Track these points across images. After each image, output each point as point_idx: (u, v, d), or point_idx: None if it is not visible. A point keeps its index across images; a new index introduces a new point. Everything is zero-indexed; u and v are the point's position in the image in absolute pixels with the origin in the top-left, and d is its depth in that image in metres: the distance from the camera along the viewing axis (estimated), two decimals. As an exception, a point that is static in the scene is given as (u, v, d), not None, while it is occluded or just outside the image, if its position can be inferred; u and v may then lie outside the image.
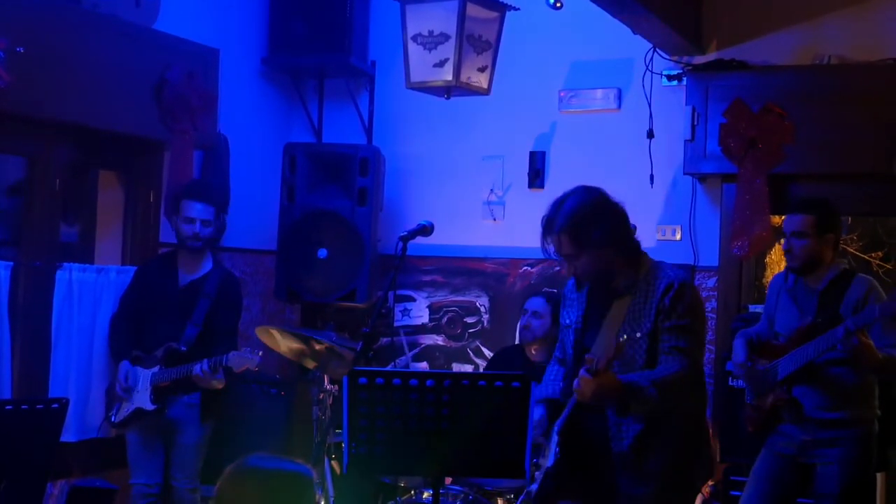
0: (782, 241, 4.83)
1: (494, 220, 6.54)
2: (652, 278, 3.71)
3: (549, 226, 3.75)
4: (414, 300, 6.70)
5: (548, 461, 3.79)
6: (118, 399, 5.23)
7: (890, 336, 4.52)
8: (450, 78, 5.75)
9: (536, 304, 5.50)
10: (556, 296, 5.61)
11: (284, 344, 5.23)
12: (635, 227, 3.83)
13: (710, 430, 4.07)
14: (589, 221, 3.69)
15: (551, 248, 3.76)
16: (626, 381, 3.55)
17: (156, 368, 5.16)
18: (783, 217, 4.88)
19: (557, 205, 3.75)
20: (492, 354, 6.18)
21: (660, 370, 3.63)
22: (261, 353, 5.09)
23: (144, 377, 5.17)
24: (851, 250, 7.09)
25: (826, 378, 4.59)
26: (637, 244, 3.82)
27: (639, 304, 3.70)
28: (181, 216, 5.27)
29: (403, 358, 6.37)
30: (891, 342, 4.51)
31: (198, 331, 5.21)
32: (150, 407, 5.15)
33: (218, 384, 5.08)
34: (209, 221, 5.28)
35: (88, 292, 5.49)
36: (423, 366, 6.58)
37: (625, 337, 3.56)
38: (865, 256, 7.15)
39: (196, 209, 5.25)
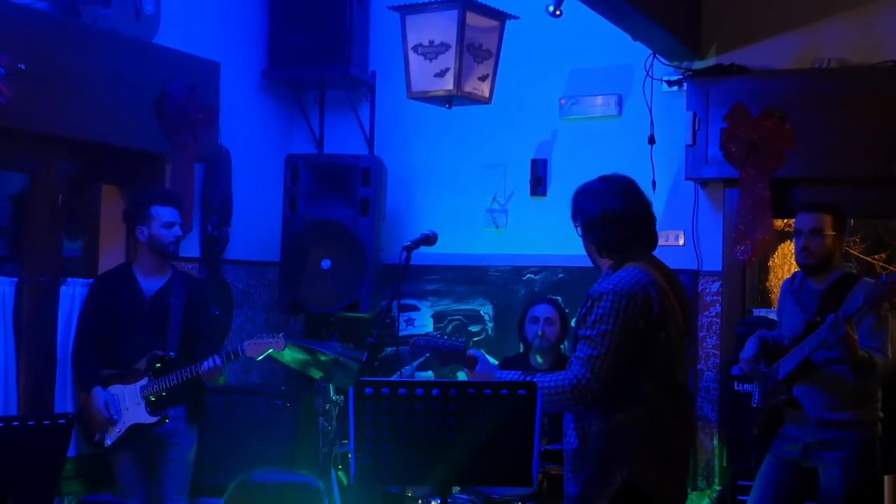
0: (790, 241, 4.84)
1: (497, 227, 6.54)
2: (597, 283, 3.63)
3: None
4: (418, 309, 6.69)
5: None
6: (102, 425, 4.99)
7: (876, 338, 4.56)
8: (451, 87, 5.77)
9: (547, 310, 5.43)
10: (560, 303, 5.60)
11: (289, 355, 5.23)
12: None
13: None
14: (588, 195, 3.72)
15: None
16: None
17: (144, 381, 4.96)
18: (793, 219, 4.86)
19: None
20: (496, 363, 6.14)
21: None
22: (282, 334, 5.04)
23: (131, 392, 4.97)
24: (855, 252, 7.09)
25: (826, 377, 4.61)
26: (619, 246, 3.63)
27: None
28: (156, 222, 5.09)
29: (408, 367, 6.36)
30: (875, 345, 4.55)
31: (180, 335, 5.09)
32: (149, 419, 4.95)
33: (224, 378, 5.04)
34: (182, 225, 5.19)
35: (92, 307, 5.47)
36: (428, 375, 6.57)
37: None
38: (869, 259, 7.16)
39: (173, 213, 5.13)
